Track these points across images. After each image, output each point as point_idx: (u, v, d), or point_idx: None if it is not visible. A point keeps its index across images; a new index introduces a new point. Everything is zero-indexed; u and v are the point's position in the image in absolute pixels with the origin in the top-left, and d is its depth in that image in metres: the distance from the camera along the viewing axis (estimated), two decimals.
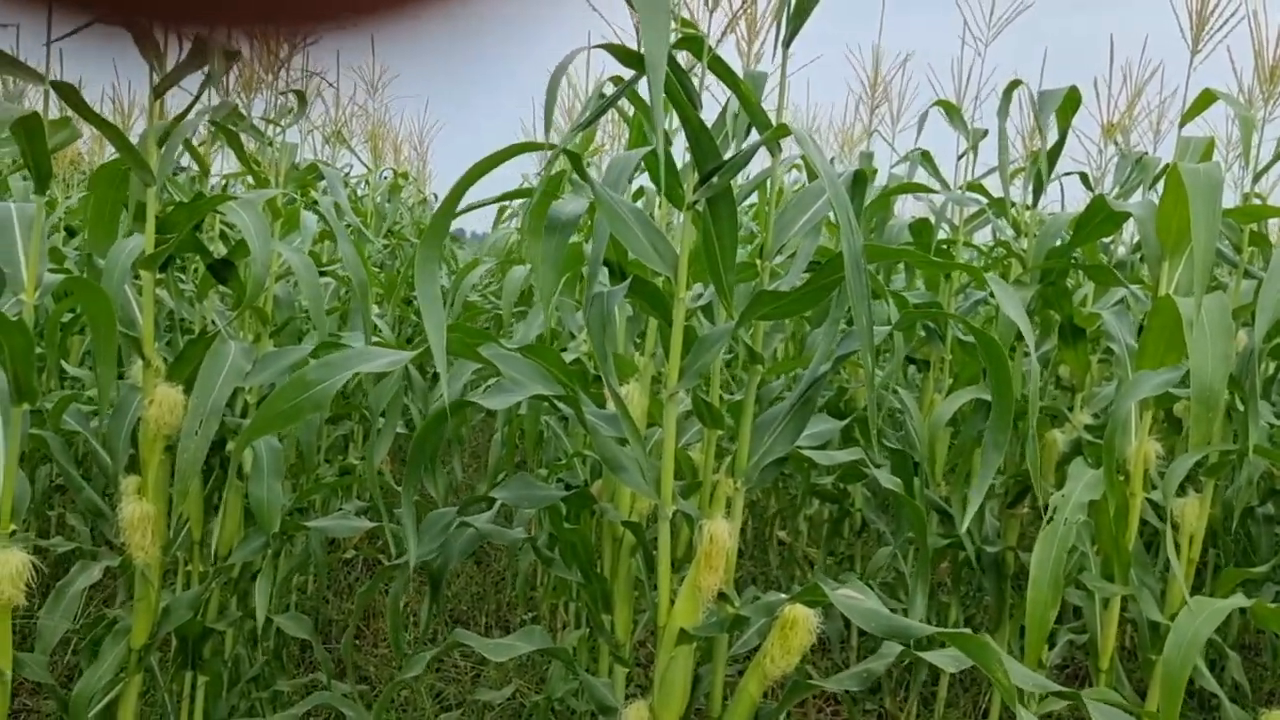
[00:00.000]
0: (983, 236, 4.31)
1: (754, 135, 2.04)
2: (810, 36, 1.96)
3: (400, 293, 4.37)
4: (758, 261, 2.13)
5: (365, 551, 4.66)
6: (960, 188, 3.45)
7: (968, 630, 1.76)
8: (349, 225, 3.06)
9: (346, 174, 5.44)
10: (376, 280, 4.35)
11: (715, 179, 1.80)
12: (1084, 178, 3.53)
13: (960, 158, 3.47)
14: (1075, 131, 3.06)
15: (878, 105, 3.93)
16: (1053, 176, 3.07)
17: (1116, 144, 3.29)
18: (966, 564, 3.32)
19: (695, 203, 1.87)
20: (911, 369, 3.97)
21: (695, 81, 1.83)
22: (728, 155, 1.86)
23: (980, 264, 3.83)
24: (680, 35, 1.80)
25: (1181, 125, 2.59)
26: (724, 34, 1.83)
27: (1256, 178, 3.05)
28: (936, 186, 3.47)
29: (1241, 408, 2.51)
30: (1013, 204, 3.29)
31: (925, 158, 3.61)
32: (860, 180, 2.00)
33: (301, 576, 3.98)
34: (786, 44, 1.89)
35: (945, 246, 3.60)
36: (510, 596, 4.47)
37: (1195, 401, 2.19)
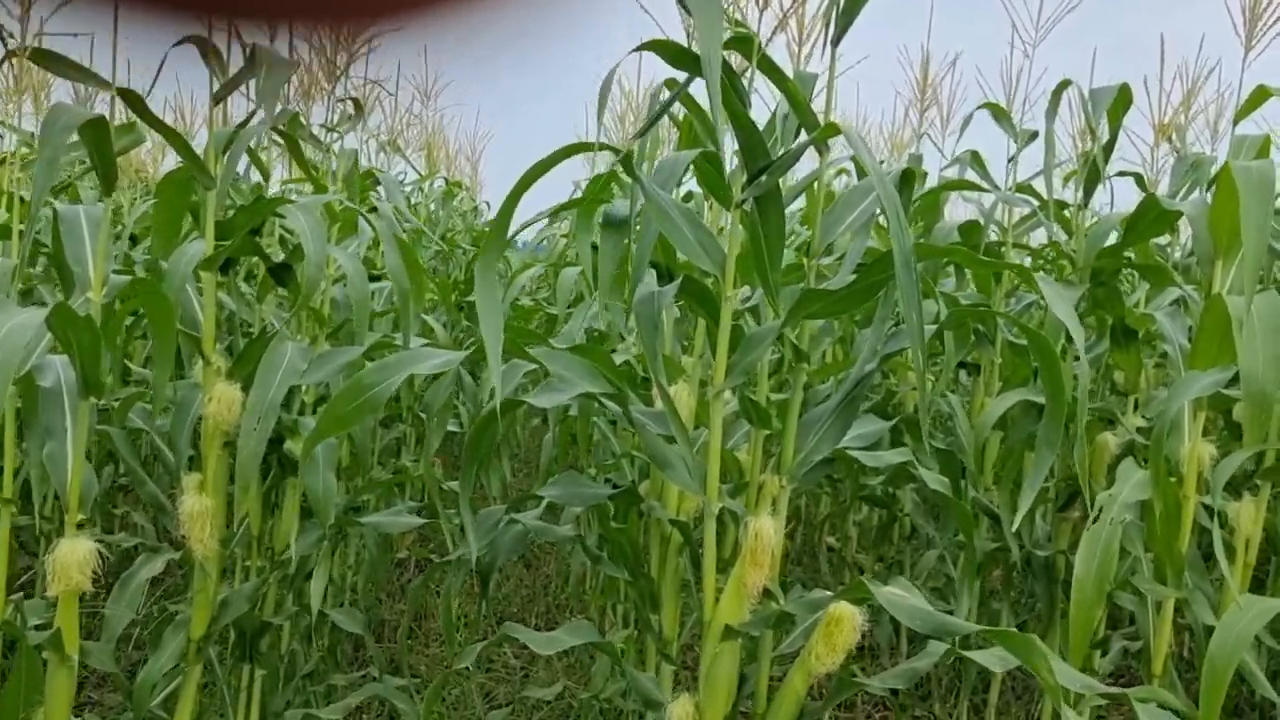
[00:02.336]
0: (1037, 240, 4.28)
1: (803, 137, 2.05)
2: (859, 41, 1.98)
3: (453, 296, 4.43)
4: (804, 261, 2.14)
5: (416, 553, 4.73)
6: (1009, 190, 3.42)
7: (1013, 629, 1.76)
8: (409, 227, 3.13)
9: (401, 181, 5.53)
10: (430, 287, 4.42)
11: (764, 177, 1.82)
12: (1139, 179, 3.48)
13: (1010, 161, 3.45)
14: (1129, 133, 3.04)
15: (927, 108, 3.91)
16: (1105, 176, 3.04)
17: (1171, 142, 3.25)
18: (1017, 569, 3.29)
19: (743, 202, 1.89)
20: (961, 373, 3.95)
21: (745, 82, 1.85)
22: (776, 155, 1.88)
23: (1031, 266, 3.79)
24: (731, 35, 1.82)
25: (1235, 123, 2.56)
26: (773, 34, 1.85)
27: None
28: (986, 186, 3.45)
29: None
30: (1064, 206, 3.26)
31: (975, 158, 3.59)
32: (909, 178, 2.01)
33: (355, 576, 4.05)
34: (835, 43, 1.91)
35: (999, 248, 3.58)
36: (559, 599, 4.51)
37: (1245, 402, 2.16)
